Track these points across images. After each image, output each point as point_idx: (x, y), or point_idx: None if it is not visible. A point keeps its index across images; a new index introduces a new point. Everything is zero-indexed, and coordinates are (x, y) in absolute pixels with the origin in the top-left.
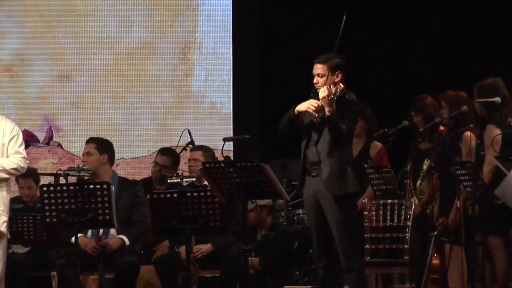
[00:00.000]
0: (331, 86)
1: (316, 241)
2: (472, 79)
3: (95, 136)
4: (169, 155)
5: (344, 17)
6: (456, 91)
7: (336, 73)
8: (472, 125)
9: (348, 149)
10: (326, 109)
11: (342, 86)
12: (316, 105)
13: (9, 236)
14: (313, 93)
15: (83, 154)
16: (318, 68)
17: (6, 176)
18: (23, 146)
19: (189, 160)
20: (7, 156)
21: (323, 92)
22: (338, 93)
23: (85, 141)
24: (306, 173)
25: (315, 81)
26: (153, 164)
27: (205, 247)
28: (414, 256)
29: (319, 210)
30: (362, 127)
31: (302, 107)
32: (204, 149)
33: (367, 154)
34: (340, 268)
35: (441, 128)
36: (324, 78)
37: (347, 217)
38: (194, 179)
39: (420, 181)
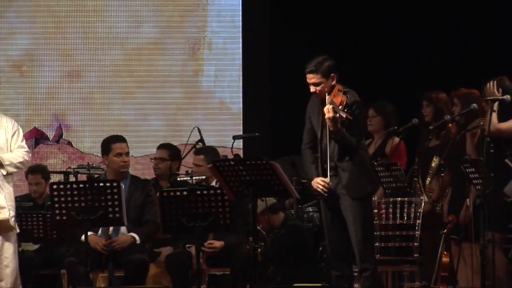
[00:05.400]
0: (340, 107)
1: (330, 242)
2: (484, 77)
3: (106, 134)
4: (166, 148)
5: None
6: (469, 89)
7: (331, 76)
8: (482, 123)
9: (361, 149)
10: (331, 128)
11: (342, 94)
12: (322, 184)
13: (18, 230)
14: (310, 104)
15: (120, 154)
16: (312, 78)
17: (14, 170)
18: (24, 140)
19: (193, 164)
20: (11, 151)
21: (328, 112)
22: (344, 118)
23: (117, 140)
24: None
25: (312, 90)
26: (152, 160)
27: (218, 243)
28: (424, 254)
29: (336, 210)
30: (380, 123)
31: (313, 184)
32: (206, 151)
33: (382, 151)
34: (352, 268)
35: (448, 125)
36: (321, 86)
37: (364, 217)
38: (203, 177)
39: (429, 178)
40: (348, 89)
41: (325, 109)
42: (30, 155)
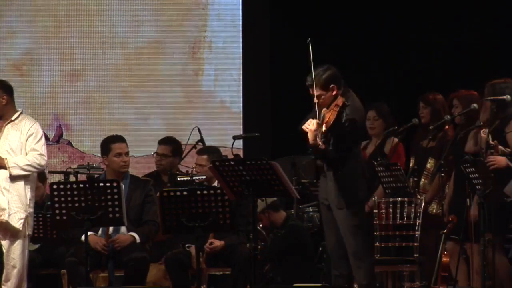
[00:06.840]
0: (324, 126)
1: (329, 242)
2: (483, 79)
3: (106, 134)
4: (168, 143)
5: (310, 44)
6: (468, 90)
7: (330, 87)
8: (482, 123)
9: (352, 157)
10: (310, 141)
11: (338, 111)
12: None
13: (27, 234)
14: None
15: (119, 154)
16: (312, 91)
17: (21, 172)
18: (41, 143)
19: (195, 164)
20: (26, 154)
21: (311, 125)
22: (318, 144)
23: (116, 140)
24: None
25: (315, 101)
26: (154, 155)
27: (218, 243)
28: (423, 254)
29: (331, 212)
30: (381, 125)
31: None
32: (210, 151)
33: (381, 151)
34: (351, 268)
35: (446, 127)
36: (323, 97)
37: (357, 224)
38: (204, 177)
39: (423, 179)
40: (349, 103)
41: (312, 121)
42: (45, 158)
